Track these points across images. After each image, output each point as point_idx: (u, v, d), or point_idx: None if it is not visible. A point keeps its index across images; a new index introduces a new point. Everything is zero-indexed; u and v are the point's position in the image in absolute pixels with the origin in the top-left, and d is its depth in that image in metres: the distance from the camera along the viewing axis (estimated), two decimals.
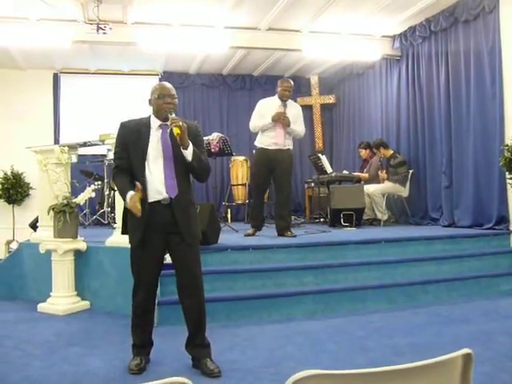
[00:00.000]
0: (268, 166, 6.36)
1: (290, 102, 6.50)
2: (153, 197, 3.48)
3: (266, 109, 6.41)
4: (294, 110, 6.46)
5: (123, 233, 3.69)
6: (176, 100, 3.61)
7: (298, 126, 6.44)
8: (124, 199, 3.42)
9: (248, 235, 6.45)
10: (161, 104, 3.52)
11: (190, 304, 3.59)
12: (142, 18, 7.88)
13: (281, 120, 6.24)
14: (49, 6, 6.81)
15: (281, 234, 6.36)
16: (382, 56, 9.22)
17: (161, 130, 3.54)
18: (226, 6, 7.55)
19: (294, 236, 6.27)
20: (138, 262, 3.58)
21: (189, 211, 3.59)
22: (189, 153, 3.46)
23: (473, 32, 7.18)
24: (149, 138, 3.51)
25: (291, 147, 6.50)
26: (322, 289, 5.31)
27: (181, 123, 3.39)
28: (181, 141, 3.42)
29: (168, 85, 3.66)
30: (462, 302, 5.45)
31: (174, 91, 3.62)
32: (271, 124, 6.30)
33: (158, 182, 3.47)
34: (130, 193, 3.37)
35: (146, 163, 3.48)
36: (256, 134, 6.55)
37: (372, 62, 9.73)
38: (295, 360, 3.71)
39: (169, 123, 3.44)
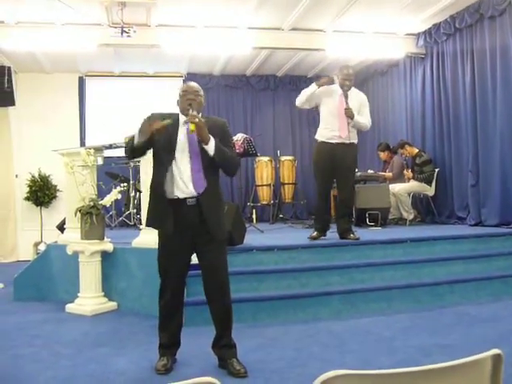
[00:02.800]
0: (330, 162, 5.80)
1: (352, 91, 5.93)
2: (180, 193, 3.48)
3: (324, 91, 5.85)
4: (358, 100, 5.94)
5: (148, 225, 3.73)
6: (200, 97, 3.60)
7: (364, 118, 5.90)
8: (138, 138, 3.45)
9: (312, 238, 5.93)
10: (183, 101, 3.55)
11: (216, 306, 3.61)
12: (166, 20, 7.93)
13: (346, 112, 5.71)
14: (73, 10, 6.89)
15: (343, 236, 5.94)
16: (406, 54, 9.16)
17: (186, 126, 3.54)
18: (249, 7, 7.57)
19: (357, 238, 5.85)
20: (166, 262, 3.59)
21: (218, 208, 3.60)
22: (210, 148, 3.43)
23: (499, 28, 7.09)
24: (177, 132, 3.53)
25: (356, 141, 5.94)
26: (348, 289, 5.28)
27: (197, 120, 3.38)
28: (199, 137, 3.42)
29: (193, 83, 3.68)
30: (489, 302, 5.37)
31: (197, 88, 3.62)
32: (316, 90, 5.81)
33: (185, 177, 3.48)
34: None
35: (175, 156, 3.49)
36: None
37: (396, 61, 9.66)
38: (321, 360, 3.70)
39: (187, 119, 3.44)
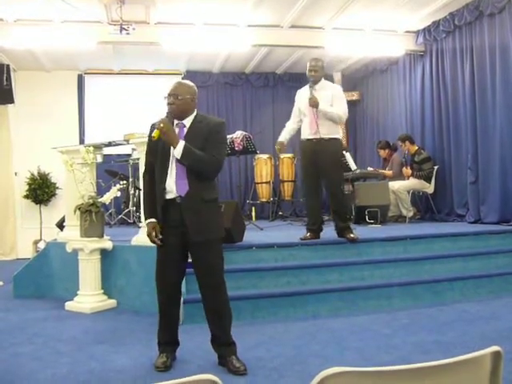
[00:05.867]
0: (312, 160, 5.66)
1: (324, 84, 5.77)
2: (168, 194, 3.53)
3: (299, 98, 5.87)
4: (327, 91, 5.69)
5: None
6: (179, 100, 3.54)
7: (336, 108, 5.61)
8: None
9: (304, 239, 5.74)
10: (166, 104, 3.60)
11: (210, 303, 3.62)
12: (165, 17, 7.93)
13: (309, 102, 5.54)
14: (72, 7, 6.88)
15: (340, 235, 5.77)
16: (406, 52, 9.16)
17: (177, 129, 3.58)
18: (248, 5, 7.56)
19: (354, 239, 5.68)
20: (162, 260, 3.62)
21: (200, 209, 3.51)
22: (177, 151, 3.43)
23: (498, 25, 7.09)
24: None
25: (337, 135, 5.75)
26: (347, 286, 5.29)
27: (162, 125, 3.42)
28: (165, 142, 3.48)
29: (175, 84, 3.65)
30: (489, 299, 5.38)
31: (178, 90, 3.57)
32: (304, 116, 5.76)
33: (171, 180, 3.52)
34: (149, 220, 3.59)
35: (170, 163, 3.53)
36: None
37: (395, 58, 9.66)
38: (321, 357, 3.70)
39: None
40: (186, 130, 3.55)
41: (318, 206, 5.97)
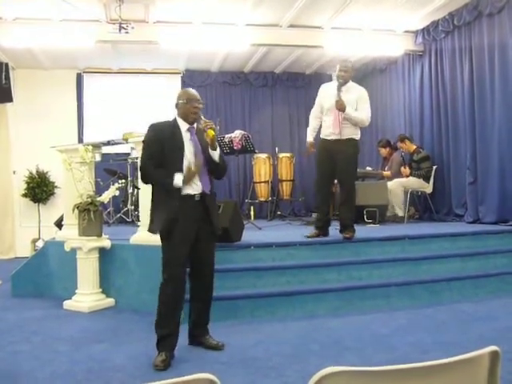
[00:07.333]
0: (328, 158, 5.72)
1: (351, 86, 5.80)
2: (188, 191, 3.72)
3: (323, 94, 5.87)
4: (353, 94, 5.73)
5: (150, 230, 3.87)
6: (202, 105, 3.88)
7: (360, 113, 5.69)
8: (168, 183, 3.66)
9: (310, 236, 5.81)
10: (188, 108, 3.80)
11: (207, 287, 3.96)
12: (164, 16, 7.92)
13: (336, 104, 5.56)
14: (72, 6, 6.88)
15: (341, 232, 5.84)
16: (405, 52, 9.16)
17: (189, 133, 3.80)
18: (248, 4, 7.56)
19: (349, 238, 5.71)
20: (174, 253, 3.69)
21: (216, 206, 4.05)
22: (217, 153, 3.81)
23: (497, 25, 7.09)
24: (183, 138, 3.76)
25: (355, 136, 5.76)
26: (346, 286, 5.29)
27: (214, 126, 3.72)
28: (212, 142, 3.75)
29: (194, 91, 3.95)
30: (487, 300, 5.39)
31: (199, 96, 3.90)
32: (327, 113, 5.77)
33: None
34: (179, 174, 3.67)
35: (184, 161, 3.71)
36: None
37: (394, 58, 9.67)
38: (319, 357, 3.71)
39: (202, 125, 3.75)
40: (205, 134, 3.78)
41: (327, 205, 6.14)
